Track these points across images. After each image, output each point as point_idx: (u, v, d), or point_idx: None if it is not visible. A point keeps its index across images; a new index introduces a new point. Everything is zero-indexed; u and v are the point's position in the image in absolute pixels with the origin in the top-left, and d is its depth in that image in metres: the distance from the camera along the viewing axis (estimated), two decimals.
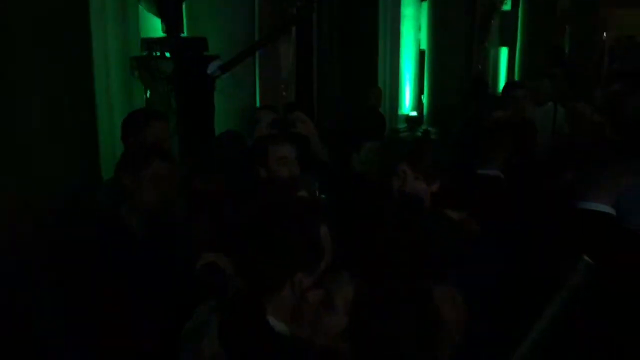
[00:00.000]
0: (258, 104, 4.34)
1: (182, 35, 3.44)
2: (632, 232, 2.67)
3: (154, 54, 3.32)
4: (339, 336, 1.39)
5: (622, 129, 4.26)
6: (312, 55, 5.14)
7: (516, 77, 9.88)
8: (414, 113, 7.18)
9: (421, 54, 7.25)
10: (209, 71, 3.33)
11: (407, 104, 7.15)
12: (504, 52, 9.58)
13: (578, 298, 1.75)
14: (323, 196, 2.59)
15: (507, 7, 9.34)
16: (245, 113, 3.95)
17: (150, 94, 3.39)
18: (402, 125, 6.96)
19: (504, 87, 5.54)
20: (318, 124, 3.89)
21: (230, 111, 3.83)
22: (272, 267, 1.34)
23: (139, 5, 3.42)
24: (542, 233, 2.48)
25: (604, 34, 13.55)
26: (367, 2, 5.94)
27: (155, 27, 3.44)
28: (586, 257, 1.76)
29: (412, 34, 6.96)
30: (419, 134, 6.73)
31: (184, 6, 3.50)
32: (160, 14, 3.37)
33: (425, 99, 7.43)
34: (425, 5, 7.13)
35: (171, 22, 3.34)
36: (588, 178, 2.34)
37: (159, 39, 3.35)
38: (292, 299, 1.35)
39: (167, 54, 3.30)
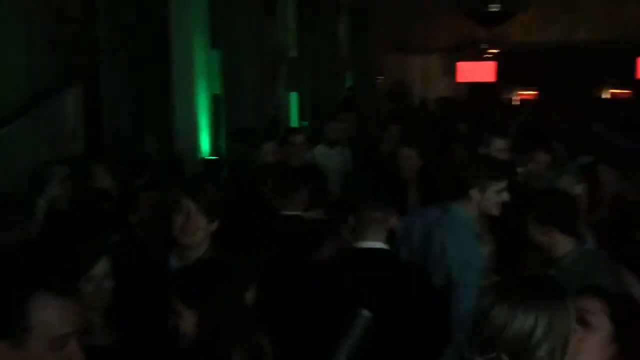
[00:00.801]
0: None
1: None
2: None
3: None
4: None
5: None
6: (101, 105, 4.97)
7: (306, 121, 10.47)
8: (213, 157, 7.24)
9: (216, 99, 7.38)
10: None
11: (204, 148, 7.19)
12: (294, 97, 10.11)
13: (357, 348, 1.92)
14: None
15: (293, 53, 9.93)
16: (29, 171, 3.68)
17: None
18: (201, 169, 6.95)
19: (284, 133, 5.86)
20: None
21: (10, 171, 3.54)
22: None
23: None
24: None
25: (379, 78, 15.00)
26: (157, 49, 5.92)
27: None
28: (364, 311, 1.94)
29: (205, 80, 7.07)
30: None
31: None
32: None
33: (222, 142, 7.54)
34: (216, 52, 7.29)
35: None
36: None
37: None
38: None
39: None
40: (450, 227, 3.05)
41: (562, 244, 2.74)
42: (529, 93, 16.85)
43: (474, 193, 3.08)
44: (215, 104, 7.37)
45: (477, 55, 15.97)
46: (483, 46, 15.20)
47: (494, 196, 3.08)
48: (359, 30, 12.77)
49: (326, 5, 10.39)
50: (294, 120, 10.14)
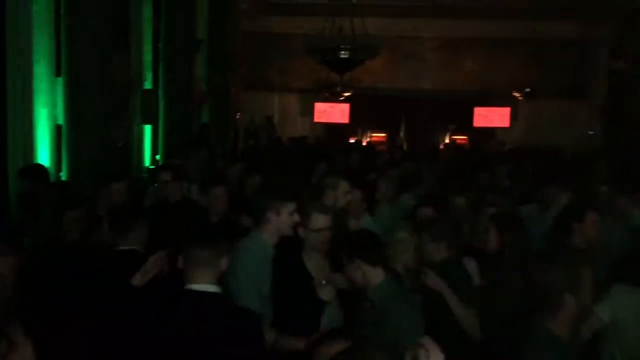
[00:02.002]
0: None
1: None
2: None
3: None
4: None
5: None
6: None
7: (160, 155, 10.26)
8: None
9: (58, 129, 7.02)
10: None
11: None
12: (147, 129, 9.88)
13: None
14: None
15: (148, 85, 9.75)
16: None
17: None
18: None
19: (153, 171, 5.72)
20: None
21: None
22: None
23: None
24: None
25: (238, 114, 15.12)
26: None
27: None
28: None
29: (47, 109, 6.71)
30: None
31: None
32: None
33: (63, 175, 7.16)
34: (60, 80, 6.98)
35: None
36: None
37: None
38: None
39: None
40: (243, 256, 3.26)
41: (373, 276, 2.97)
42: (380, 135, 17.83)
43: (271, 215, 3.36)
44: (58, 134, 7.02)
45: (333, 97, 16.68)
46: (338, 89, 15.91)
47: (288, 218, 3.38)
48: (217, 66, 12.85)
49: (183, 39, 10.36)
50: (147, 154, 9.90)
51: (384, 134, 17.84)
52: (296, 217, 3.42)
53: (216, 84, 12.68)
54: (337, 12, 10.33)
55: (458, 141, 16.34)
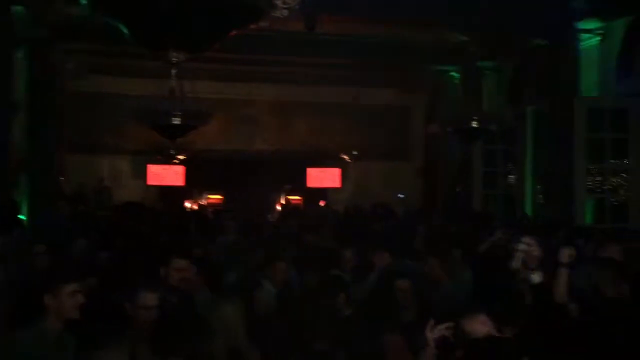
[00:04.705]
0: None
1: None
2: None
3: None
4: None
5: None
6: None
7: None
8: None
9: None
10: None
11: None
12: None
13: None
14: None
15: None
16: None
17: None
18: None
19: None
20: None
21: None
22: None
23: None
24: None
25: (62, 178, 14.22)
26: None
27: None
28: None
29: None
30: None
31: None
32: None
33: None
34: None
35: None
36: None
37: None
38: None
39: None
40: None
41: None
42: (217, 197, 17.73)
43: (49, 300, 3.11)
44: None
45: (166, 159, 16.37)
46: (171, 152, 15.66)
47: (68, 299, 3.15)
48: (38, 129, 12.06)
49: None
50: None
51: (220, 196, 17.78)
52: (80, 298, 3.19)
53: (37, 147, 11.88)
54: (168, 75, 10.28)
55: (293, 201, 16.76)
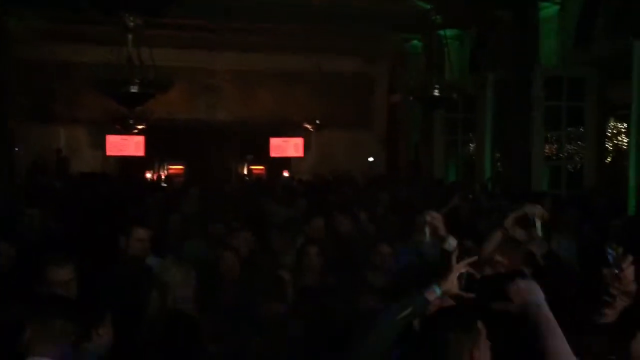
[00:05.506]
0: None
1: None
2: None
3: None
4: None
5: None
6: None
7: None
8: None
9: None
10: None
11: None
12: None
13: None
14: None
15: None
16: None
17: None
18: None
19: None
20: None
21: None
22: None
23: None
24: None
25: (16, 148, 13.82)
26: None
27: None
28: None
29: None
30: None
31: None
32: None
33: None
34: None
35: None
36: None
37: None
38: None
39: None
40: None
41: None
42: (178, 167, 17.52)
43: None
44: None
45: (126, 129, 16.03)
46: (130, 121, 15.33)
47: None
48: None
49: None
50: None
51: (181, 166, 17.57)
52: None
53: None
54: (125, 42, 9.91)
55: (255, 171, 16.68)
